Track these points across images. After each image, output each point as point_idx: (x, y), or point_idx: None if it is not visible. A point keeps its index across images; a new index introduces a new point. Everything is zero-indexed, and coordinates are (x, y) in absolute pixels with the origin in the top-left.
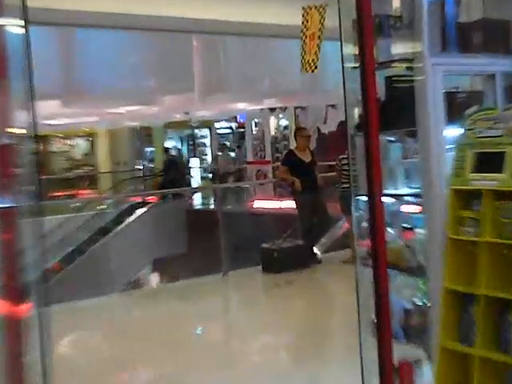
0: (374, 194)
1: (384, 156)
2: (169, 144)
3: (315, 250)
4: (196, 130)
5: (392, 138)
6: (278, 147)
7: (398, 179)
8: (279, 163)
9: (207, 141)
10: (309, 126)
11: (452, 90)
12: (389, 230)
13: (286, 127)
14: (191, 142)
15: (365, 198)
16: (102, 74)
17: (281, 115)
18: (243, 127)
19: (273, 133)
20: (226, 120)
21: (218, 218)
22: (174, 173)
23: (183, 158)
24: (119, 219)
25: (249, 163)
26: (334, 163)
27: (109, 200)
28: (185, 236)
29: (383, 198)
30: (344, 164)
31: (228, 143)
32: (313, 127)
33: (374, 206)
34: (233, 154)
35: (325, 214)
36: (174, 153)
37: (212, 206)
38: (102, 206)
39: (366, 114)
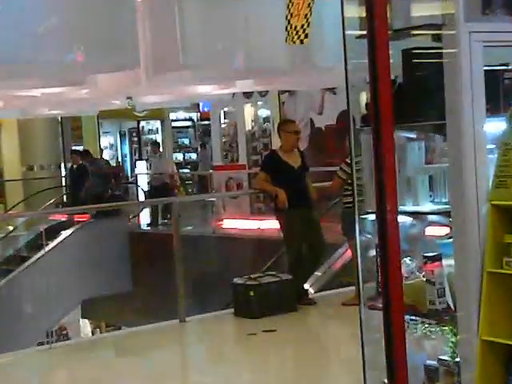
0: (385, 211)
1: (400, 159)
2: (104, 141)
3: (306, 287)
4: (143, 123)
5: (411, 135)
6: (255, 146)
7: (419, 191)
8: (258, 169)
9: (159, 137)
10: (298, 119)
11: (497, 68)
12: (406, 260)
13: (266, 119)
14: (136, 139)
15: (373, 217)
16: (7, 41)
17: (260, 102)
18: (208, 119)
19: (249, 127)
20: (185, 109)
21: (173, 244)
22: (95, 184)
23: (105, 163)
24: (35, 245)
25: (216, 168)
26: (336, 169)
27: (20, 219)
28: (128, 268)
29: (399, 218)
30: (348, 170)
31: (186, 140)
32: (304, 119)
33: (386, 227)
34: (193, 155)
35: (319, 238)
36: (101, 155)
37: (166, 227)
38: (10, 227)
39: (375, 102)
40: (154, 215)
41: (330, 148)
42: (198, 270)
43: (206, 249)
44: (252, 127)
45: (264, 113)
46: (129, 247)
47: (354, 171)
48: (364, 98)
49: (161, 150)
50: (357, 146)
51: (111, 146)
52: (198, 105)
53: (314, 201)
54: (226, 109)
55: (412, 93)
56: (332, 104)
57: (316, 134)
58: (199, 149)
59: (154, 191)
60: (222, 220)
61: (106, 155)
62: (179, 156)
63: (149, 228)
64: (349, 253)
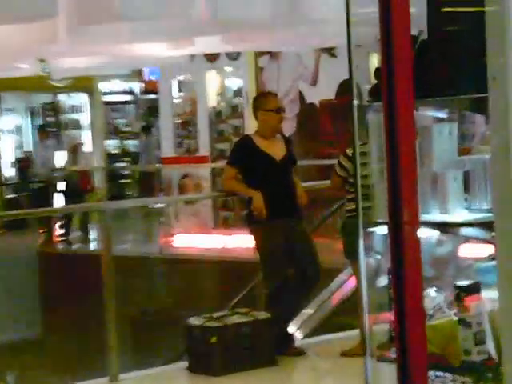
0: (402, 222)
1: (424, 149)
2: (5, 122)
3: (292, 330)
4: (62, 96)
5: (440, 114)
6: (222, 131)
7: (449, 194)
8: (225, 162)
9: (85, 116)
10: (283, 91)
11: None
12: (431, 291)
13: (238, 92)
14: (53, 119)
15: (385, 231)
16: None
17: (229, 69)
18: (155, 91)
19: (213, 103)
20: (123, 77)
21: (103, 270)
22: None
23: None
24: None
25: (166, 161)
26: (335, 163)
27: None
28: (36, 304)
29: (420, 231)
30: (348, 166)
31: (124, 121)
32: (291, 93)
33: (403, 245)
34: (133, 143)
35: (311, 260)
36: None
37: (93, 246)
38: None
39: (389, 67)
40: (85, 226)
41: (327, 133)
42: (137, 306)
43: (150, 276)
44: (217, 103)
45: (234, 83)
46: (38, 274)
47: (358, 166)
48: (374, 61)
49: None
50: (362, 130)
51: (16, 128)
52: (141, 72)
53: (304, 207)
54: (180, 77)
55: (441, 54)
56: (329, 71)
57: (307, 114)
58: (142, 134)
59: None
60: (173, 235)
61: (9, 141)
62: (113, 143)
63: (68, 246)
64: (352, 282)
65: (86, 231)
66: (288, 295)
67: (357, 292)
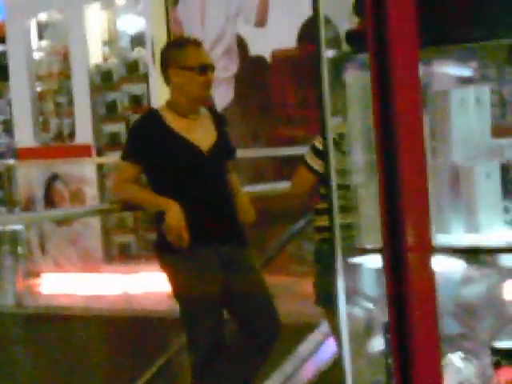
0: (403, 247)
1: (438, 128)
2: None
3: None
4: None
5: (463, 72)
6: (113, 103)
7: (479, 201)
8: (118, 155)
9: None
10: (211, 37)
11: None
12: (455, 359)
13: (137, 39)
14: None
15: (378, 262)
16: None
17: (122, 1)
18: (1, 39)
19: (98, 58)
20: None
21: None
22: None
23: None
24: None
25: (23, 154)
26: (300, 152)
27: None
28: None
29: (435, 262)
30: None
31: None
32: (224, 38)
33: (407, 284)
34: None
35: (262, 311)
36: None
37: None
38: None
39: None
40: None
41: (287, 103)
42: None
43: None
44: (105, 58)
45: (132, 25)
46: None
47: (331, 157)
48: None
49: None
50: (338, 99)
51: None
52: None
53: (251, 226)
54: (42, 16)
55: None
56: (287, 1)
57: (253, 73)
58: None
59: None
60: (38, 275)
61: None
62: None
63: None
64: (332, 344)
65: None
66: (227, 367)
67: (337, 361)
